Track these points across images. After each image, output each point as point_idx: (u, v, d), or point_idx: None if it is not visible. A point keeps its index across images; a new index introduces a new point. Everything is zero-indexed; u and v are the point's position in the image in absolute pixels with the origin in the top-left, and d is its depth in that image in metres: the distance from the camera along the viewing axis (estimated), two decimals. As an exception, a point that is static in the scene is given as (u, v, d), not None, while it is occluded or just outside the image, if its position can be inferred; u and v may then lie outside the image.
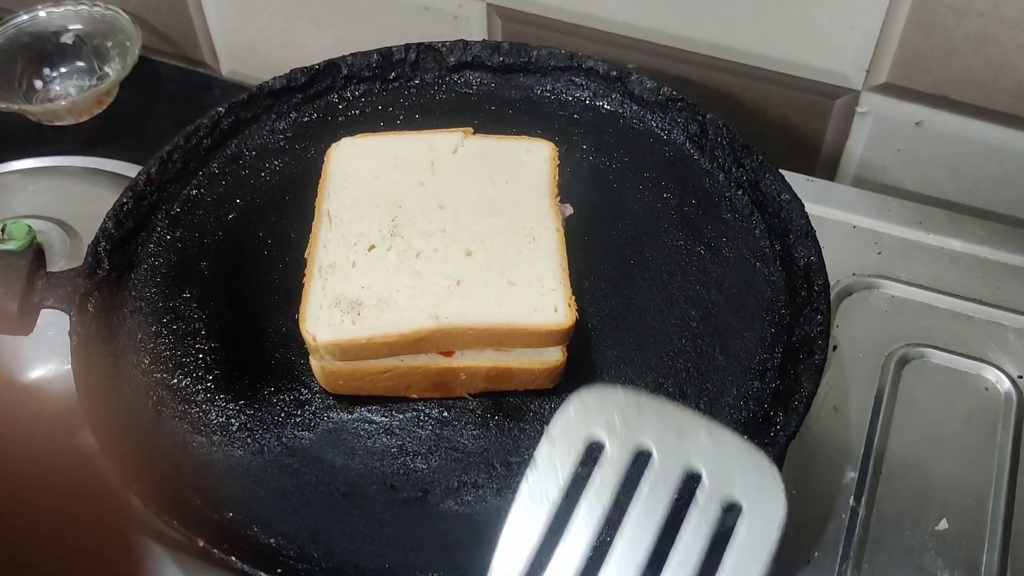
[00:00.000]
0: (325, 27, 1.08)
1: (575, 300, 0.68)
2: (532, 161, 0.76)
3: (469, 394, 0.69)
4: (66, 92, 1.13)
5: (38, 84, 1.14)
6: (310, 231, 0.76)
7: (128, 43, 1.11)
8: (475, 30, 1.02)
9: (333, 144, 0.77)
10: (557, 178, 0.75)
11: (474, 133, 0.78)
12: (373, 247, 0.70)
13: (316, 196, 0.75)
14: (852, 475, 0.75)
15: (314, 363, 0.68)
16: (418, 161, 0.75)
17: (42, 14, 1.13)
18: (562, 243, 0.71)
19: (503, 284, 0.68)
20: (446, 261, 0.69)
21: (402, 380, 0.68)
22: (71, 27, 1.14)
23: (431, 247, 0.70)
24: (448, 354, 0.68)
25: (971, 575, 0.70)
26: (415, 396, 0.69)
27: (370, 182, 0.74)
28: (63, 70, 1.15)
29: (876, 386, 0.79)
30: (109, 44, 1.14)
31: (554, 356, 0.68)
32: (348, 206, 0.73)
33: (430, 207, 0.72)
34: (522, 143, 0.77)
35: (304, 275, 0.70)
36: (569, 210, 0.75)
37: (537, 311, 0.67)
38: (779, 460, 0.74)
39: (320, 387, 0.69)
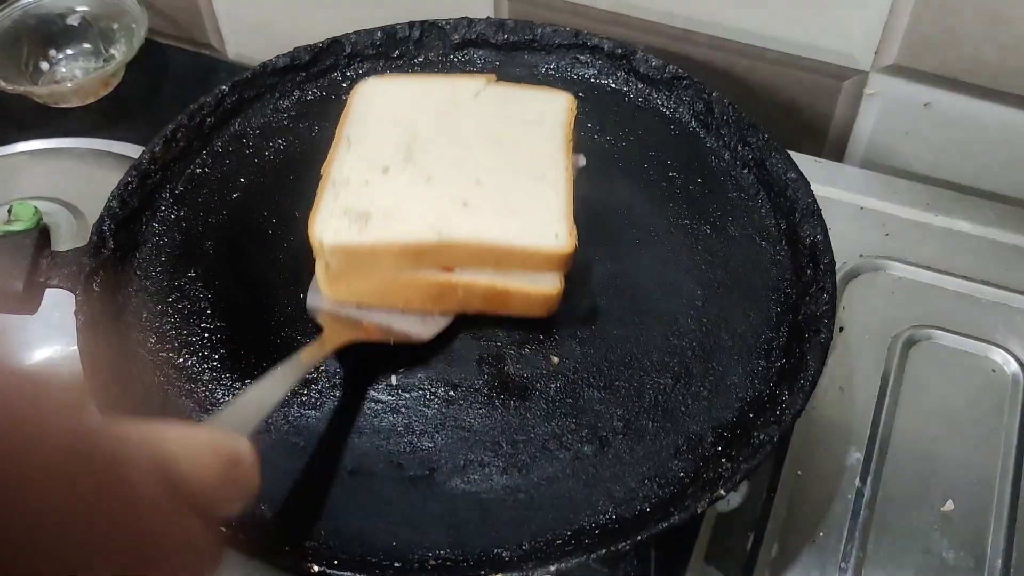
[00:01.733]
0: (331, 8, 1.08)
1: (575, 232, 0.69)
2: (550, 109, 0.76)
3: (465, 312, 0.71)
4: (72, 74, 1.13)
5: (44, 66, 1.14)
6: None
7: (134, 25, 1.11)
8: (481, 8, 1.02)
9: (360, 81, 0.78)
10: (573, 128, 0.76)
11: (496, 81, 0.79)
12: (387, 169, 0.71)
13: (318, 177, 0.75)
14: (858, 456, 0.74)
15: (319, 268, 0.70)
16: (439, 100, 0.77)
17: (48, -4, 1.13)
18: (570, 184, 0.72)
19: (507, 209, 0.69)
20: (455, 186, 0.70)
21: (402, 291, 0.70)
22: (77, 9, 1.14)
23: (442, 174, 0.71)
24: (449, 269, 0.69)
25: (977, 556, 0.70)
26: (414, 307, 0.70)
27: (391, 114, 0.76)
28: (69, 52, 1.15)
29: (883, 368, 0.79)
30: (115, 26, 1.14)
31: (551, 283, 0.69)
32: (367, 133, 0.74)
33: (445, 140, 0.73)
34: (543, 92, 0.78)
35: (317, 187, 0.71)
36: (582, 161, 0.76)
37: (538, 235, 0.68)
38: (784, 440, 0.74)
39: (324, 365, 0.69)
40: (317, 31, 0.87)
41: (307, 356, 0.64)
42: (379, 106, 0.76)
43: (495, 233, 0.68)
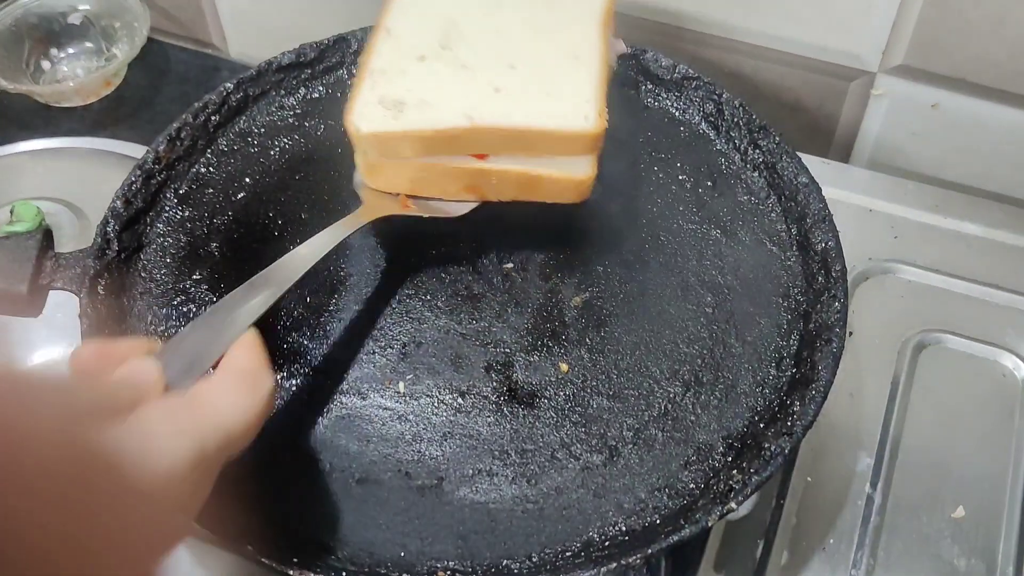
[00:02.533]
0: (334, 9, 1.07)
1: (606, 112, 0.69)
2: None
3: (499, 199, 0.72)
4: (74, 73, 1.13)
5: (46, 65, 1.13)
6: (321, 212, 0.75)
7: (136, 24, 1.10)
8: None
9: None
10: (613, 13, 0.76)
11: None
12: (424, 57, 0.72)
13: (324, 177, 0.76)
14: (868, 462, 0.74)
15: (358, 157, 0.71)
16: None
17: (50, -6, 1.13)
18: (604, 66, 0.72)
19: (540, 93, 0.70)
20: (489, 72, 0.71)
21: (437, 180, 0.71)
22: (79, 7, 1.13)
23: (477, 60, 0.72)
24: (481, 157, 0.70)
25: (988, 562, 0.70)
26: (450, 196, 0.72)
27: (431, 4, 0.76)
28: (71, 51, 1.14)
29: (892, 372, 0.78)
30: (117, 25, 1.13)
31: (584, 169, 0.70)
32: (406, 23, 0.75)
33: (483, 28, 0.74)
34: None
35: (356, 76, 0.72)
36: (621, 46, 0.76)
37: (568, 117, 0.68)
38: (794, 448, 0.74)
39: (331, 372, 0.69)
40: (319, 30, 0.86)
41: (348, 223, 0.68)
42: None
43: (523, 116, 0.68)
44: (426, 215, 0.71)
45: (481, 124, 0.68)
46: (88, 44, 1.14)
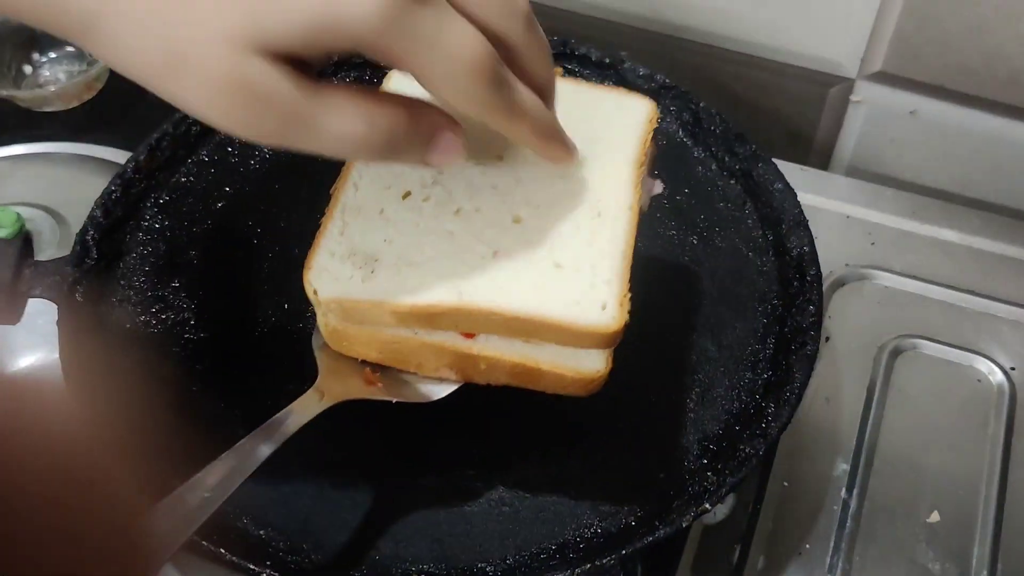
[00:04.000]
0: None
1: (628, 301, 0.58)
2: (623, 120, 0.64)
3: (490, 384, 0.61)
4: (56, 78, 1.12)
5: (27, 69, 1.13)
6: (299, 219, 0.75)
7: (118, 28, 1.10)
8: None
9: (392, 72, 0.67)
10: (650, 146, 0.64)
11: (563, 75, 0.61)
12: (408, 194, 0.60)
13: (304, 186, 0.75)
14: (844, 467, 0.74)
15: (319, 317, 0.60)
16: None
17: (31, -1, 1.12)
18: (633, 226, 0.59)
19: (548, 265, 0.57)
20: (488, 225, 0.59)
21: (413, 355, 0.60)
22: (61, 12, 1.13)
23: (474, 205, 0.59)
24: (470, 336, 0.59)
25: (962, 567, 0.70)
26: (428, 375, 0.61)
27: None
28: (52, 55, 1.14)
29: (868, 377, 0.79)
30: (99, 29, 1.13)
31: (594, 364, 0.59)
32: None
33: (487, 155, 0.61)
34: (616, 95, 0.66)
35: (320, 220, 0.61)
36: (658, 188, 0.66)
37: (579, 304, 0.56)
38: (770, 452, 0.74)
39: (310, 377, 0.69)
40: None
41: (297, 414, 0.58)
42: None
43: (525, 300, 0.56)
44: (394, 400, 0.61)
45: (472, 304, 0.56)
46: (70, 49, 1.14)
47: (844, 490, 0.73)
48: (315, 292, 0.57)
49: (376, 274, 0.57)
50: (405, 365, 0.61)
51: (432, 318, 0.57)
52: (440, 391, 0.61)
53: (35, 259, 0.72)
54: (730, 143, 0.79)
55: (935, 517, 0.72)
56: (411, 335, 0.58)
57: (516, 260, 0.57)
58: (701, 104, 0.81)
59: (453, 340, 0.59)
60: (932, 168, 0.96)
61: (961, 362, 0.80)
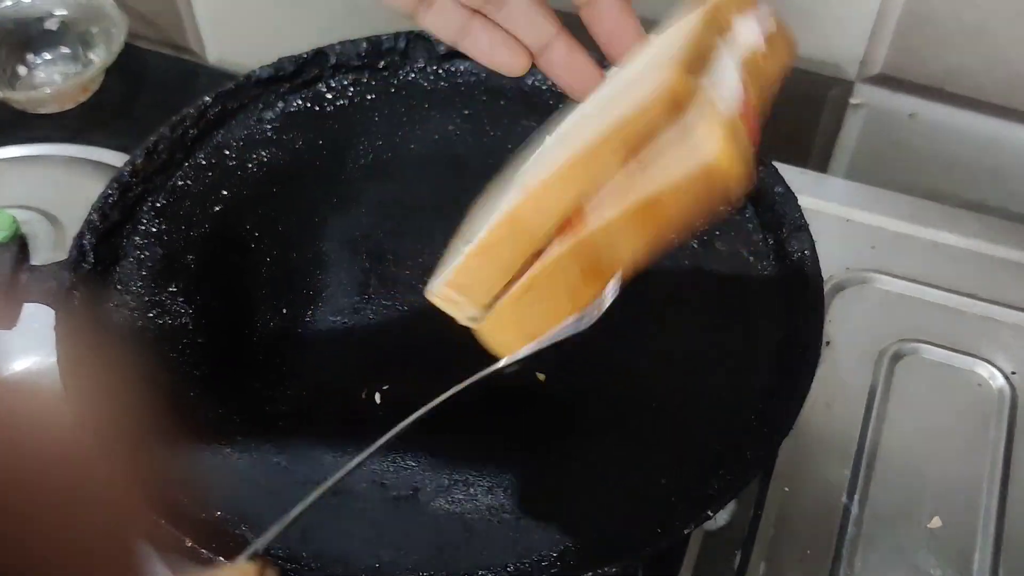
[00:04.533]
0: (315, 13, 1.07)
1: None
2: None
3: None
4: (51, 79, 1.12)
5: (22, 71, 1.12)
6: (297, 223, 0.75)
7: (113, 29, 1.10)
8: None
9: None
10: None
11: None
12: None
13: (301, 190, 0.76)
14: (845, 472, 0.74)
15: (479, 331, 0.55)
16: None
17: (25, 0, 1.12)
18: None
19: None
20: None
21: (554, 289, 0.52)
22: (55, 13, 1.12)
23: None
24: (578, 218, 0.49)
25: (963, 573, 0.70)
26: (585, 304, 0.53)
27: None
28: (47, 56, 1.13)
29: (869, 382, 0.78)
30: (94, 30, 1.12)
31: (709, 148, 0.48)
32: None
33: None
34: None
35: None
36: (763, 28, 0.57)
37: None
38: (771, 457, 0.74)
39: (307, 383, 0.68)
40: (300, 36, 0.85)
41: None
42: None
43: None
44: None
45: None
46: (65, 50, 1.13)
47: (845, 495, 0.73)
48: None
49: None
50: (560, 313, 0.53)
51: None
52: None
53: (31, 263, 0.71)
54: (730, 146, 0.78)
55: (936, 523, 0.72)
56: (533, 273, 0.51)
57: None
58: (701, 107, 0.80)
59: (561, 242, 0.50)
60: (932, 171, 0.95)
61: (962, 366, 0.79)
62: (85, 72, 1.10)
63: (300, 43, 0.86)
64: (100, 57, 1.11)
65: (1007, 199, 0.94)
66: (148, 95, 1.14)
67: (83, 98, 1.10)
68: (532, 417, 0.67)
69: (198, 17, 1.15)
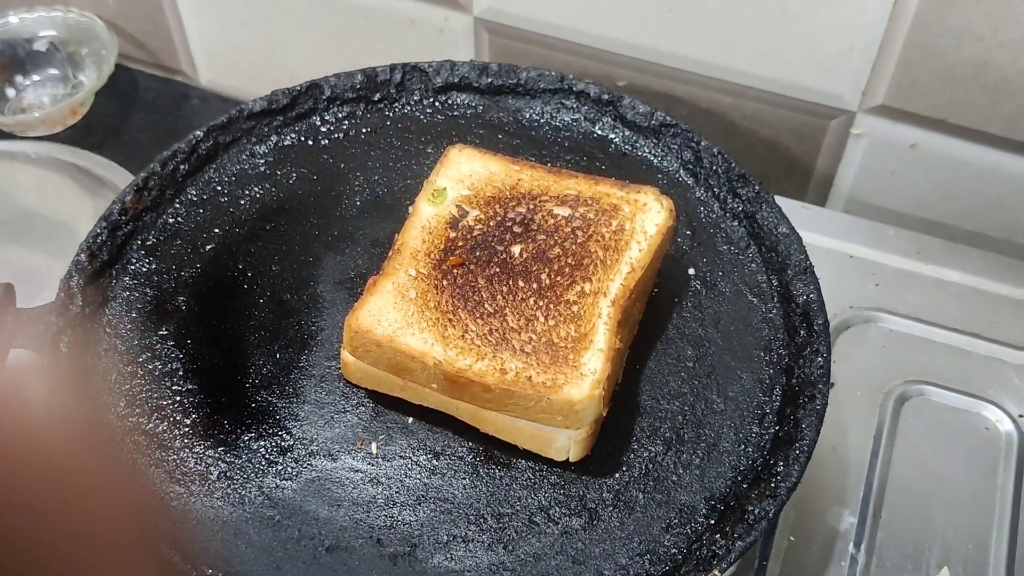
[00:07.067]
0: (307, 37, 1.05)
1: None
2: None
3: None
4: (39, 101, 1.10)
5: (10, 93, 1.10)
6: (292, 263, 0.73)
7: (104, 51, 1.08)
8: (462, 44, 1.00)
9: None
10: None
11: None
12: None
13: (296, 227, 0.74)
14: (851, 520, 0.73)
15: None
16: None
17: (14, 20, 1.10)
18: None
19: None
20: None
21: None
22: (44, 33, 1.11)
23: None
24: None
25: (972, 624, 0.69)
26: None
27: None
28: (36, 78, 1.11)
29: (875, 425, 0.77)
30: (84, 52, 1.10)
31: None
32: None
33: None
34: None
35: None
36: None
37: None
38: (778, 511, 0.72)
39: (301, 432, 0.67)
40: (293, 59, 0.84)
41: None
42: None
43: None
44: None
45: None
46: (54, 71, 1.11)
47: (852, 545, 0.72)
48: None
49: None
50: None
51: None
52: None
53: (17, 307, 0.69)
54: (733, 184, 0.77)
55: (944, 573, 0.70)
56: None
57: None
58: (702, 143, 0.79)
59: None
60: (932, 202, 0.94)
61: (969, 409, 0.78)
62: (75, 94, 1.08)
63: (292, 65, 0.84)
64: (90, 79, 1.09)
65: (1008, 230, 0.93)
66: (139, 117, 1.12)
67: (72, 121, 1.09)
68: (532, 468, 0.65)
69: (190, 38, 1.13)
